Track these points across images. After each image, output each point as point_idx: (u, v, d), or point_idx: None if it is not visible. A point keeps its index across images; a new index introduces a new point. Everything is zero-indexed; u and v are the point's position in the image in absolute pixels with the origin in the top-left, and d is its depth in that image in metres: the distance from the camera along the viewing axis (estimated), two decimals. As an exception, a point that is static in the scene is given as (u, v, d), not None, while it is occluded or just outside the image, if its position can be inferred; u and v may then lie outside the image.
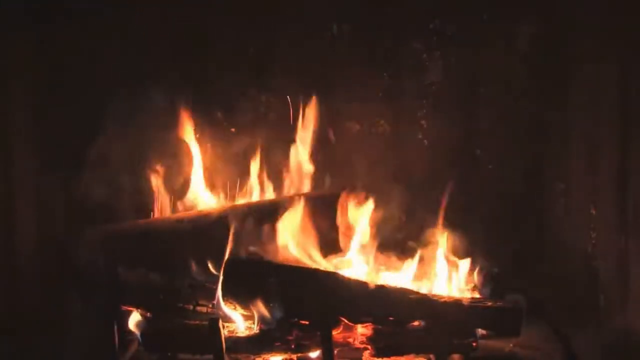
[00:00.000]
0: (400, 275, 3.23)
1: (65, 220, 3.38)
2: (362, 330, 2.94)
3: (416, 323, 2.93)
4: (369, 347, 2.93)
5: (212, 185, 3.58)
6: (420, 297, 2.94)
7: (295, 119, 3.57)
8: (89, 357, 3.09)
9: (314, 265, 3.07)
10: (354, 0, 3.65)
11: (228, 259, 3.00)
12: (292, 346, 2.91)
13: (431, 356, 2.95)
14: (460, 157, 3.69)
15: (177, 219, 3.43)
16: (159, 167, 3.52)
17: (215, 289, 2.99)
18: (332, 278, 2.96)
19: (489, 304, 2.94)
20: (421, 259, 3.29)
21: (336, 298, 2.92)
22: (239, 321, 3.00)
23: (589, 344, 3.04)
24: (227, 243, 3.05)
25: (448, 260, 3.23)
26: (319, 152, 3.55)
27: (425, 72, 3.68)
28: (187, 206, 3.52)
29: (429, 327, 2.91)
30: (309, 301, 2.92)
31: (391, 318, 2.92)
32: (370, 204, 3.32)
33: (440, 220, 3.27)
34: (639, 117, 2.75)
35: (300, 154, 3.54)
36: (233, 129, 3.68)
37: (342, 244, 3.31)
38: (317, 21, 3.66)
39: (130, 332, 3.03)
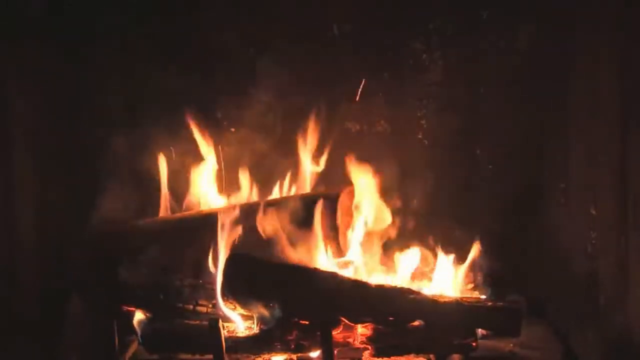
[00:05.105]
0: (400, 275, 3.23)
1: (65, 220, 3.38)
2: (362, 330, 2.95)
3: (416, 323, 2.93)
4: (369, 347, 2.93)
5: (213, 186, 3.58)
6: (420, 297, 2.94)
7: (296, 119, 3.57)
8: (89, 357, 3.10)
9: (314, 265, 3.06)
10: (354, 0, 3.65)
11: (228, 258, 3.00)
12: (292, 346, 2.91)
13: (431, 356, 2.95)
14: (460, 157, 3.69)
15: (177, 218, 3.43)
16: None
17: (215, 289, 2.99)
18: (332, 278, 2.96)
19: (489, 304, 2.95)
20: (421, 259, 3.29)
21: (336, 298, 2.92)
22: (239, 321, 3.00)
23: (589, 344, 3.04)
24: (227, 243, 3.06)
25: (448, 260, 3.23)
26: (319, 153, 3.55)
27: (425, 72, 3.68)
28: (188, 206, 3.52)
29: (429, 327, 2.91)
30: (309, 301, 2.92)
31: (391, 318, 2.92)
32: (369, 204, 3.32)
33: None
34: (639, 117, 2.75)
35: (301, 154, 3.54)
36: (233, 129, 3.68)
37: (342, 244, 3.31)
38: (318, 21, 3.66)
39: (131, 332, 3.04)
